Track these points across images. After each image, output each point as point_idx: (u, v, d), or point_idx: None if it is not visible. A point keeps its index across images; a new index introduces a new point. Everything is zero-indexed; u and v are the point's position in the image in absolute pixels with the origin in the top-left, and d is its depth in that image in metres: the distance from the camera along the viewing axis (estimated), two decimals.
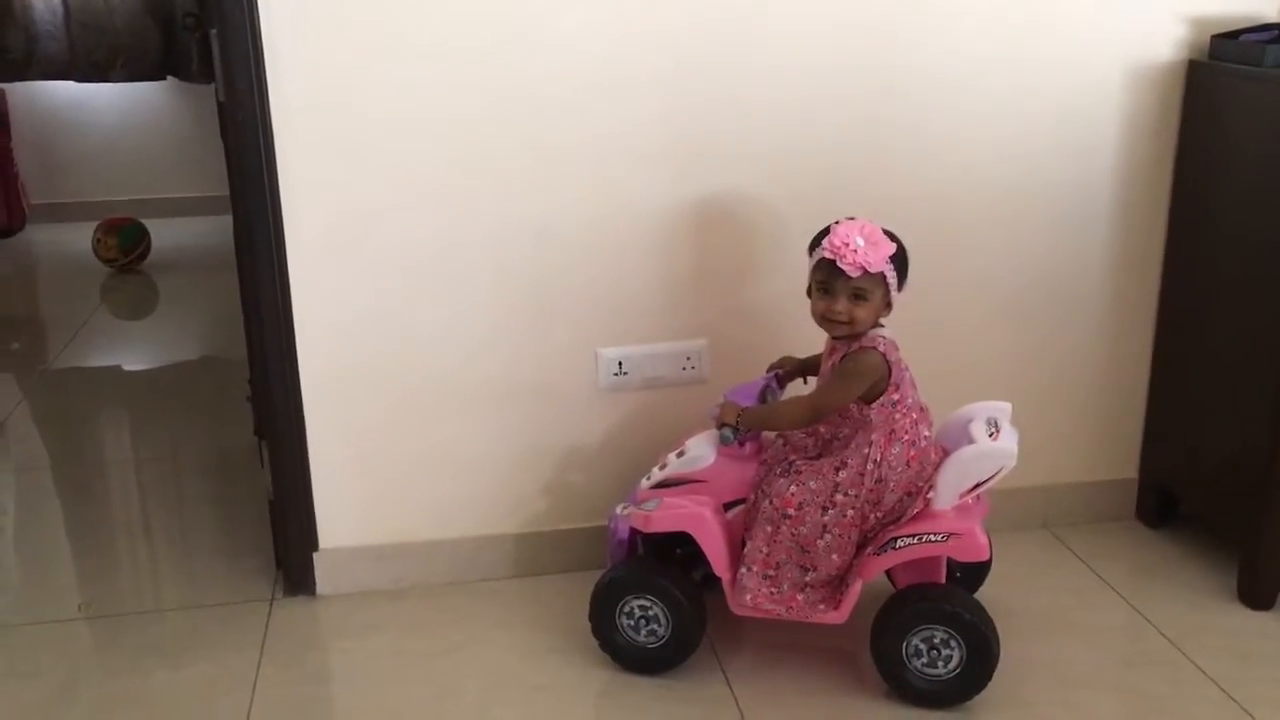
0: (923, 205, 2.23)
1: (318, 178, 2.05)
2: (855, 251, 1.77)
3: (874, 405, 1.85)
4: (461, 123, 2.06)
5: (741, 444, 1.93)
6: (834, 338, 1.91)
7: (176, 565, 2.48)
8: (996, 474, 1.86)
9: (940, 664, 1.88)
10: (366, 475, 2.23)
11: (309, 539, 2.24)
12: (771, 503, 1.88)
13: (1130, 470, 2.50)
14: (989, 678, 1.88)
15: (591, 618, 2.00)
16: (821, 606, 1.90)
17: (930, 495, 1.86)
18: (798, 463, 1.91)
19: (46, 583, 2.41)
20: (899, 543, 1.85)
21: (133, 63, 5.16)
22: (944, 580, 1.93)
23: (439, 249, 2.12)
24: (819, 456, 1.92)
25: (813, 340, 2.00)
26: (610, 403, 2.26)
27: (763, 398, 2.00)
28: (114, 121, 5.50)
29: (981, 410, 1.94)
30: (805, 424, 1.91)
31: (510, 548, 2.30)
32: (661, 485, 1.98)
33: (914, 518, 1.86)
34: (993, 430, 1.89)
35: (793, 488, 1.87)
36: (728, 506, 1.96)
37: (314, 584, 2.26)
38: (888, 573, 1.99)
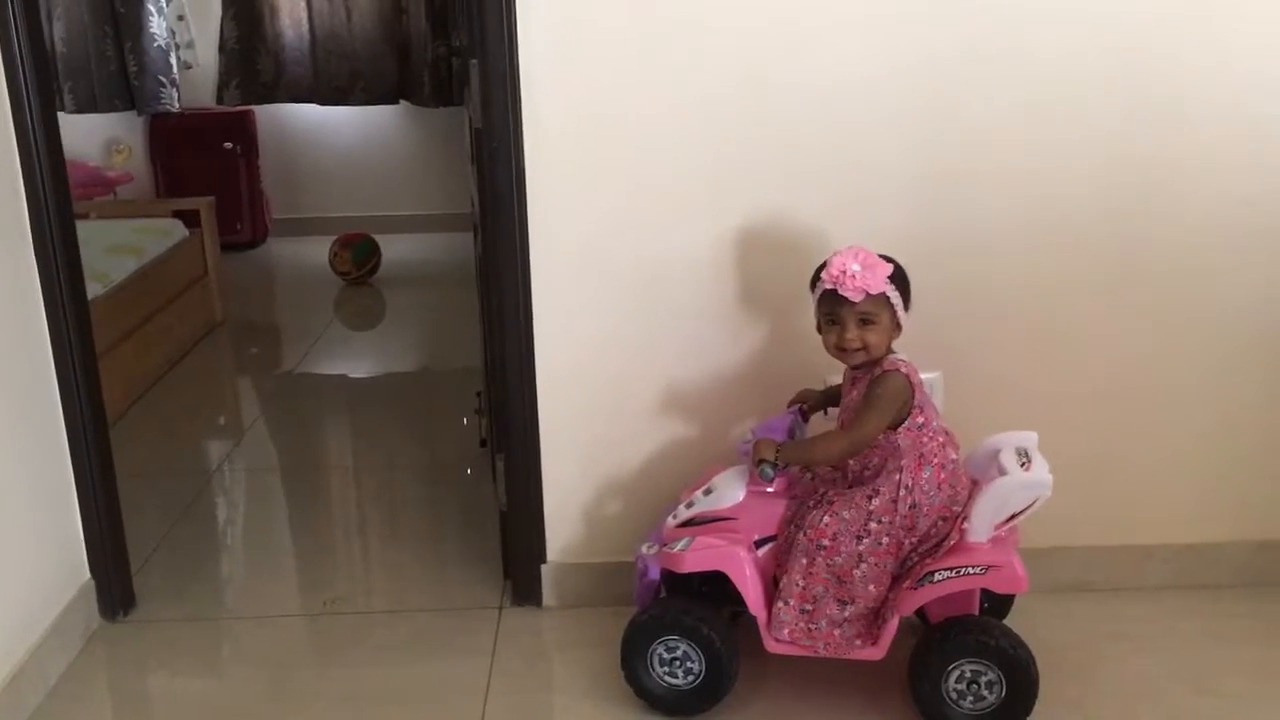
0: (1166, 246, 2.16)
1: (565, 201, 2.11)
2: (853, 277, 1.78)
3: (900, 430, 1.83)
4: (705, 150, 2.09)
5: (771, 480, 1.90)
6: (852, 368, 1.90)
7: (401, 569, 2.57)
8: (1032, 505, 1.82)
9: (981, 698, 1.84)
10: (595, 492, 2.28)
11: (538, 552, 2.30)
12: (806, 534, 1.87)
13: None
14: (1030, 709, 1.83)
15: (624, 661, 1.96)
16: (858, 642, 1.87)
17: (965, 526, 1.82)
18: (830, 493, 1.90)
19: (276, 580, 2.55)
20: (937, 576, 1.81)
21: (370, 87, 5.47)
22: (977, 612, 1.89)
23: (676, 273, 2.15)
24: (850, 488, 1.90)
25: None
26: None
27: (791, 434, 1.97)
28: (350, 142, 5.80)
29: (1009, 440, 1.90)
30: (844, 456, 1.89)
31: None
32: (689, 523, 1.96)
33: (950, 550, 1.83)
34: (1024, 460, 1.85)
35: (826, 518, 1.86)
36: (756, 544, 1.92)
37: (540, 596, 2.32)
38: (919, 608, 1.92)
